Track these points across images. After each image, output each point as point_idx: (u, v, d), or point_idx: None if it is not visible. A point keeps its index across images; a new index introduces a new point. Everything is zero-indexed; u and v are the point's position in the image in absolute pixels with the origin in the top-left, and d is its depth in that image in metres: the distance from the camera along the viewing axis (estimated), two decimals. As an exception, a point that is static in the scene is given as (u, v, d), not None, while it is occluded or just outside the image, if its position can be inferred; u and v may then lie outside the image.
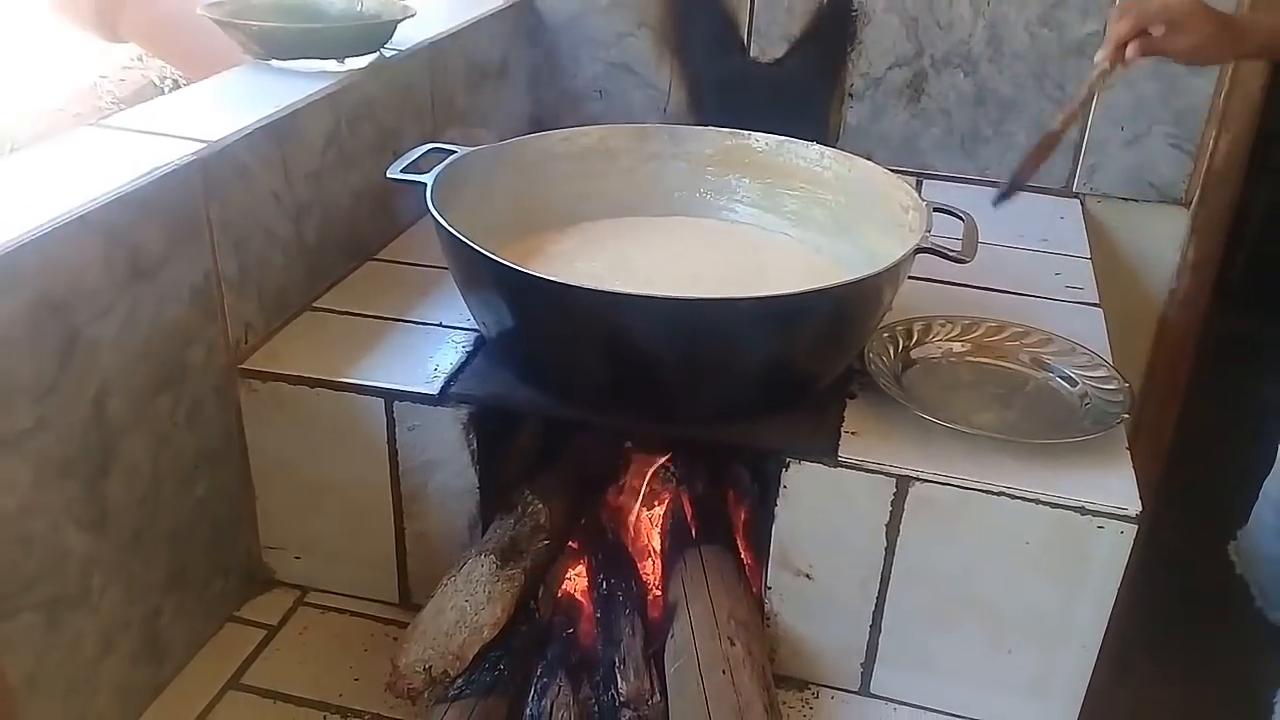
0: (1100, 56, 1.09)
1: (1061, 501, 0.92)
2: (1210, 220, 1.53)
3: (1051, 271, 1.34)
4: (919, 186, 1.58)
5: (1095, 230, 1.56)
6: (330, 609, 1.15)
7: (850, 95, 1.61)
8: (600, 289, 0.88)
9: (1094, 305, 1.26)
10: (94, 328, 0.88)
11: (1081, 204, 1.57)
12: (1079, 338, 1.12)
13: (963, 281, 1.27)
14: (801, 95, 1.62)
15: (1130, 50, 1.07)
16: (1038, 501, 0.92)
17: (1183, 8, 1.06)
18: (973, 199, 1.47)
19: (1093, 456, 0.96)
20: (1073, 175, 1.57)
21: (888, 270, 0.94)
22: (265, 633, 1.12)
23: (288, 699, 1.04)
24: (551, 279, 0.90)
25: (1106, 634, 0.95)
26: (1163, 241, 1.58)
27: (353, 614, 1.14)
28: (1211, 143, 1.49)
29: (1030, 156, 1.14)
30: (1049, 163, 1.49)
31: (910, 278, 1.10)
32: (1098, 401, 1.02)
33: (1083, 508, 0.91)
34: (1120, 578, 0.93)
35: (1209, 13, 1.07)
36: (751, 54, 1.62)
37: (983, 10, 1.50)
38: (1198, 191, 1.53)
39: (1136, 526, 0.91)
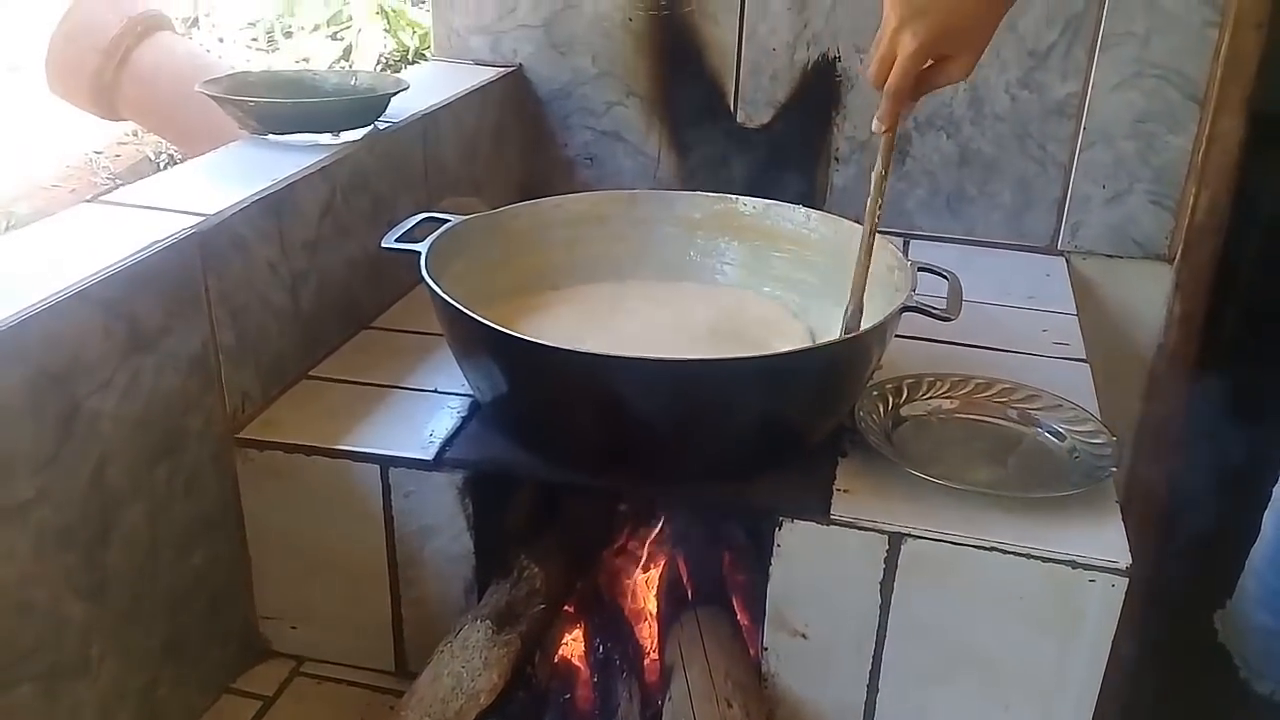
0: (876, 125, 0.95)
1: (1053, 556, 0.92)
2: (1194, 275, 1.56)
3: (1038, 328, 1.36)
4: (905, 247, 1.61)
5: (1081, 287, 1.58)
6: (326, 679, 1.15)
7: (836, 159, 1.64)
8: (592, 352, 0.90)
9: (1081, 360, 1.27)
10: (94, 399, 0.89)
11: (1067, 261, 1.59)
12: (1066, 393, 1.14)
13: (951, 339, 1.28)
14: (788, 160, 1.65)
15: (909, 102, 0.94)
16: (1029, 556, 0.93)
17: (947, 30, 0.89)
18: (958, 258, 1.51)
19: (1082, 510, 0.97)
20: (1057, 233, 1.60)
21: (874, 329, 0.96)
22: (261, 703, 1.11)
23: (285, 769, 1.04)
24: (544, 343, 0.92)
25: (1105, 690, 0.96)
26: (1148, 297, 1.60)
27: (349, 683, 1.14)
28: (1192, 199, 1.52)
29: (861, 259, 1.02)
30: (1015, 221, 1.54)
31: (899, 336, 1.12)
32: (1086, 456, 1.03)
33: (1074, 561, 0.92)
34: (1113, 630, 0.93)
35: (965, 6, 0.89)
36: (738, 120, 1.66)
37: (963, 74, 1.53)
38: (1180, 246, 1.55)
39: (1128, 579, 0.91)
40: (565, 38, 1.68)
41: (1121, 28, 1.46)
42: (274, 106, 1.25)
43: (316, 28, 3.64)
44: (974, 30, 0.90)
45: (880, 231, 1.18)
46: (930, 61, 0.91)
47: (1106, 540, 0.94)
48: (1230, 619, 1.11)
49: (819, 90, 1.61)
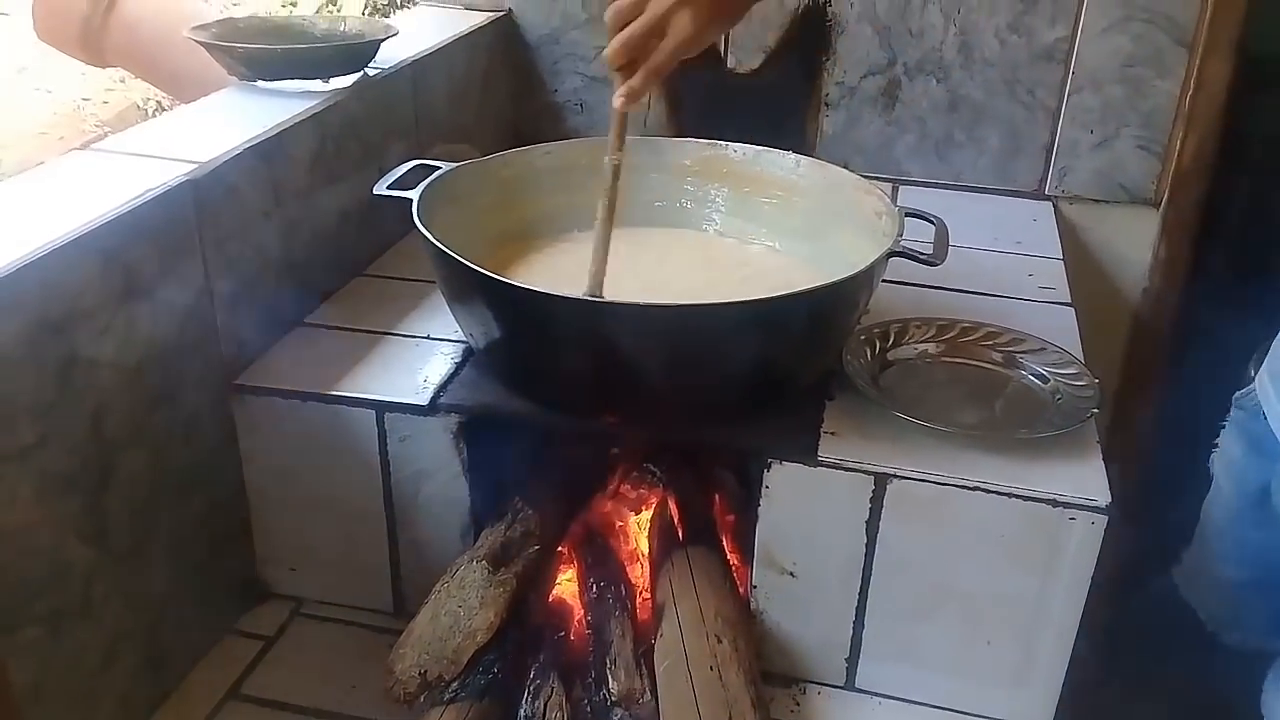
0: (621, 103, 0.94)
1: (1035, 495, 0.95)
2: (1180, 219, 1.57)
3: (1025, 273, 1.37)
4: (895, 193, 1.61)
5: (1068, 232, 1.60)
6: (326, 619, 1.17)
7: (826, 104, 1.64)
8: (584, 298, 0.91)
9: (1066, 305, 1.29)
10: (92, 347, 0.90)
11: (1054, 207, 1.60)
12: (1051, 336, 1.15)
13: (938, 284, 1.30)
14: (779, 105, 1.65)
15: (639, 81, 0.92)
16: (1012, 495, 0.95)
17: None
18: (947, 204, 1.52)
19: (1064, 450, 0.99)
20: (1044, 178, 1.60)
21: (861, 273, 0.97)
22: (263, 644, 1.14)
23: (286, 707, 1.07)
24: (536, 289, 0.93)
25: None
26: (1135, 241, 1.61)
27: (348, 624, 1.17)
28: (1179, 144, 1.53)
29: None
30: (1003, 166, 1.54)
31: (887, 281, 1.13)
32: (1068, 397, 1.05)
33: (1055, 500, 0.94)
34: (1093, 567, 0.96)
35: None
36: (729, 65, 1.66)
37: (953, 18, 1.54)
38: (1166, 191, 1.56)
39: (1107, 517, 0.94)
40: (554, -19, 1.67)
41: (1111, -29, 1.47)
42: (263, 52, 1.24)
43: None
44: (739, 11, 0.93)
45: (870, 176, 1.20)
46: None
47: (1087, 480, 0.96)
48: (1190, 575, 1.14)
49: (809, 36, 1.60)
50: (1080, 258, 1.62)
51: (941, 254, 1.03)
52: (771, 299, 0.92)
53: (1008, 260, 1.42)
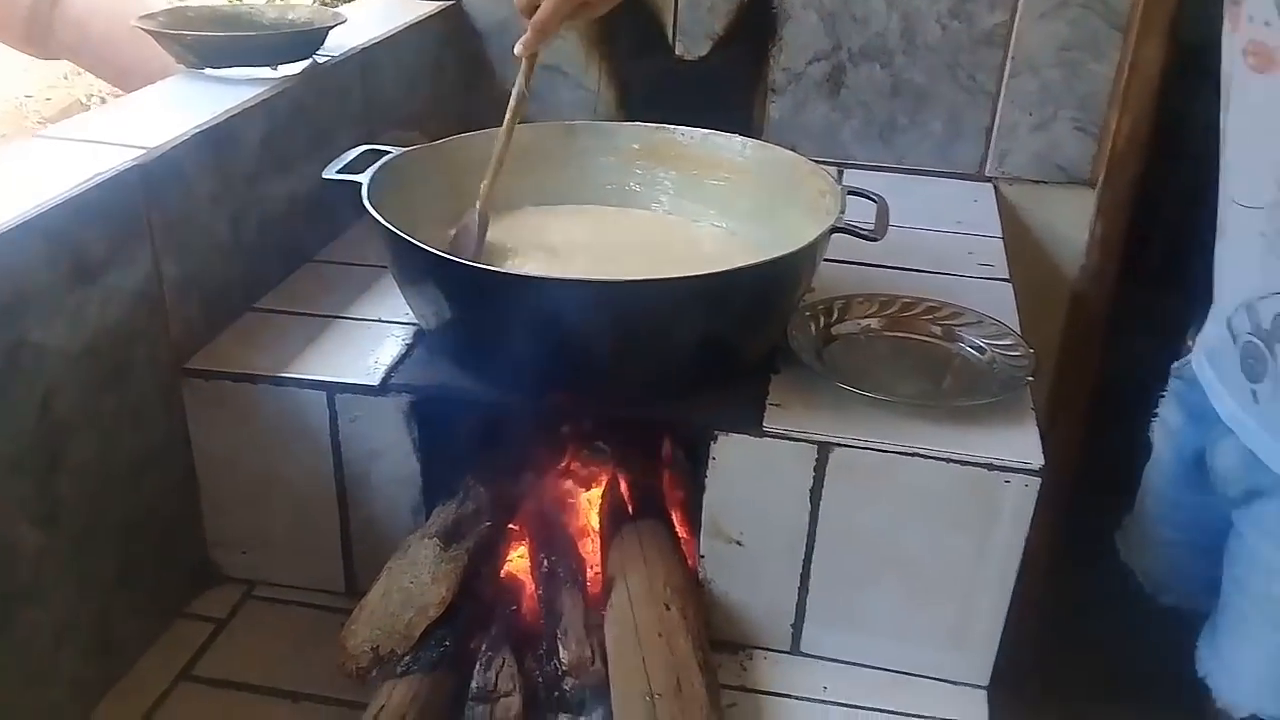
0: (519, 49, 1.06)
1: (971, 459, 0.98)
2: (1116, 199, 1.61)
3: (965, 251, 1.41)
4: (840, 176, 1.64)
5: (1008, 212, 1.63)
6: (278, 601, 1.18)
7: (773, 90, 1.66)
8: (531, 275, 0.93)
9: (1004, 280, 1.32)
10: (40, 331, 0.91)
11: (995, 187, 1.64)
12: (989, 310, 1.19)
13: (883, 263, 1.33)
14: (726, 91, 1.68)
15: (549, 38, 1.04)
16: (949, 460, 0.98)
17: None
18: (892, 186, 1.54)
19: (1000, 417, 1.03)
20: (985, 160, 1.64)
21: (803, 249, 1.00)
22: (214, 626, 1.14)
23: (239, 687, 1.07)
24: (484, 267, 0.95)
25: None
26: (1072, 220, 1.66)
27: (300, 605, 1.17)
28: (1114, 125, 1.57)
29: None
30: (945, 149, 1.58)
31: (833, 260, 1.17)
32: (1004, 367, 1.08)
33: (990, 464, 0.97)
34: (1027, 529, 0.99)
35: None
36: (677, 52, 1.68)
37: (896, 4, 1.57)
38: (1103, 172, 1.60)
39: (1040, 479, 0.97)
40: (502, -29, 1.69)
41: (1047, -43, 1.50)
42: (210, 40, 1.25)
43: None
44: None
45: (818, 161, 1.23)
46: None
47: (1022, 444, 0.99)
48: (1129, 537, 1.17)
49: (755, 22, 1.63)
50: (1021, 237, 1.65)
51: (882, 230, 1.06)
52: (715, 274, 0.94)
53: (949, 239, 1.45)
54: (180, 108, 1.15)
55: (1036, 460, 0.97)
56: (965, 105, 1.61)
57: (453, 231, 1.13)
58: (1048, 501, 0.99)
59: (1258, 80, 0.88)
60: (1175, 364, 1.08)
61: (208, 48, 1.24)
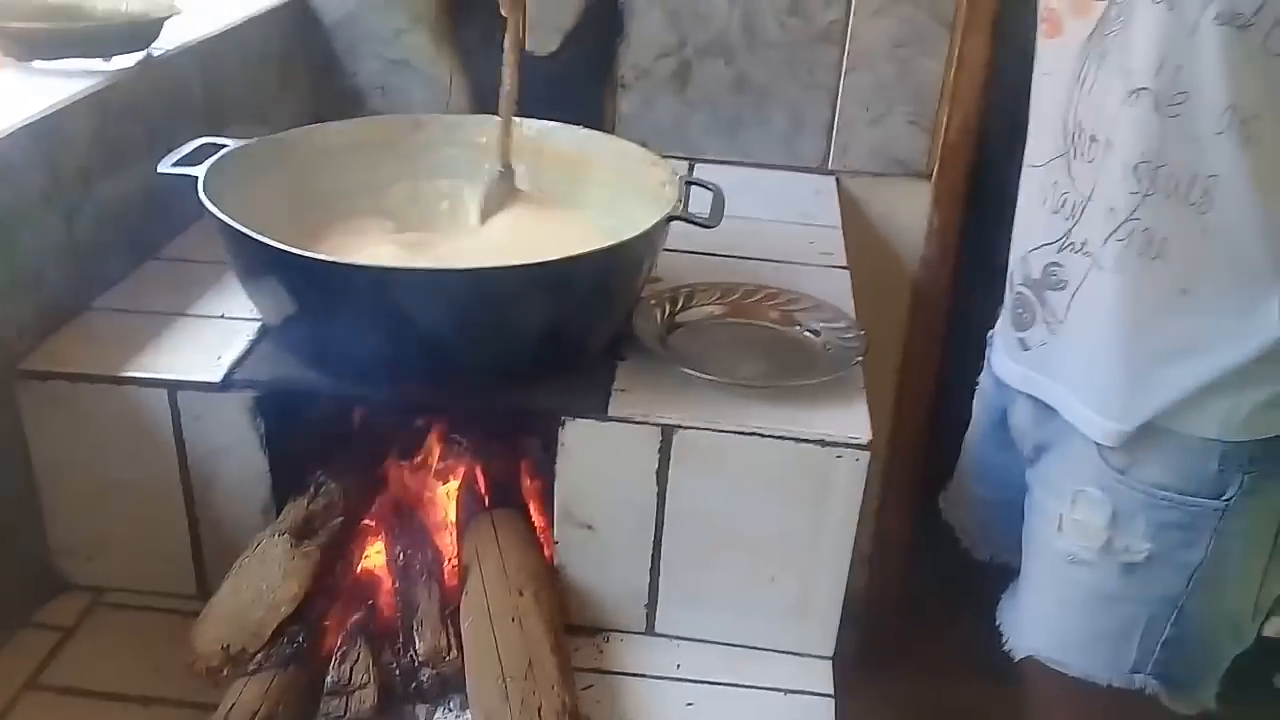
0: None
1: (805, 436, 1.02)
2: (950, 190, 1.69)
3: (807, 241, 1.46)
4: (690, 170, 1.68)
5: (851, 204, 1.70)
6: (127, 607, 1.16)
7: (622, 86, 1.69)
8: (368, 264, 0.93)
9: (842, 268, 1.38)
10: None
11: (837, 181, 1.70)
12: (827, 296, 1.24)
13: (728, 253, 1.37)
14: (576, 87, 1.70)
15: None
16: (784, 438, 1.02)
17: None
18: (738, 179, 1.61)
19: (833, 396, 1.08)
20: (827, 154, 1.70)
21: (639, 236, 1.03)
22: (61, 634, 1.12)
23: (87, 694, 1.05)
24: (321, 257, 0.95)
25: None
26: (911, 211, 1.73)
27: (151, 609, 1.15)
28: (945, 119, 1.65)
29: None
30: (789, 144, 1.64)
31: (681, 251, 1.22)
32: (838, 348, 1.14)
33: (823, 440, 1.02)
34: (859, 501, 1.04)
35: None
36: (527, 48, 1.68)
37: (737, 3, 1.61)
38: (937, 164, 1.68)
39: (869, 453, 1.02)
40: (349, -38, 1.67)
41: (877, -43, 1.57)
42: (37, 31, 1.21)
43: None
44: None
45: (668, 156, 1.26)
46: None
47: (852, 421, 1.04)
48: (950, 496, 1.25)
49: (602, 18, 1.65)
50: (863, 229, 1.72)
51: (717, 218, 1.10)
52: (554, 261, 0.96)
53: (792, 230, 1.51)
54: (4, 101, 1.11)
55: (865, 435, 1.02)
56: (806, 101, 1.67)
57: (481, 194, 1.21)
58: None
59: (1048, 44, 0.96)
60: (990, 332, 1.15)
61: (32, 40, 1.21)
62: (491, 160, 1.30)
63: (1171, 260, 0.88)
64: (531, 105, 1.35)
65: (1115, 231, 0.90)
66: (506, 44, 1.17)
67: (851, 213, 1.70)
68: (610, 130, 1.69)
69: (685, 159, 1.71)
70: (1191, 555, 0.95)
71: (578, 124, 1.31)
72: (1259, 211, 0.85)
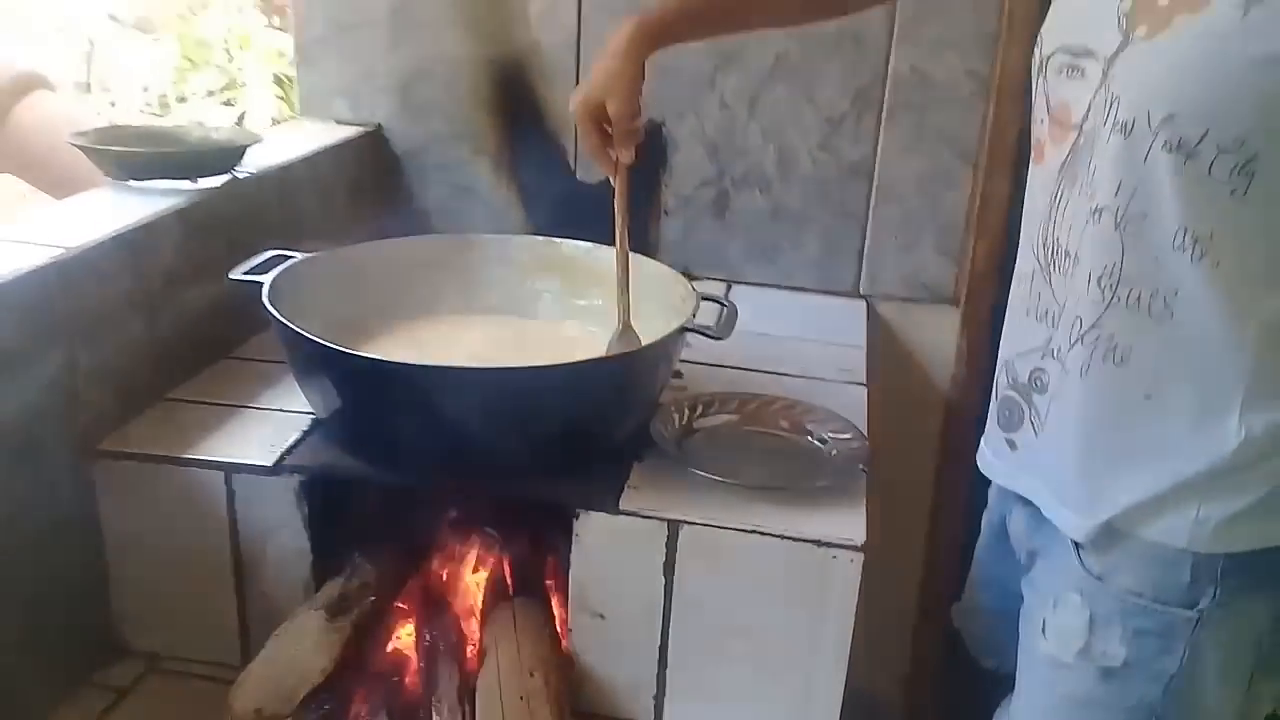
0: (623, 156, 1.19)
1: (803, 536, 1.09)
2: (976, 315, 1.76)
3: (830, 359, 1.54)
4: (728, 291, 1.78)
5: (885, 327, 1.79)
6: (178, 673, 1.25)
7: (666, 212, 1.82)
8: (403, 362, 1.04)
9: (860, 385, 1.46)
10: (-44, 406, 1.00)
11: (868, 304, 1.79)
12: (842, 409, 1.31)
13: (755, 368, 1.46)
14: (622, 212, 1.82)
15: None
16: (783, 537, 1.09)
17: (607, 77, 1.13)
18: (775, 302, 1.71)
19: (835, 500, 1.14)
20: (859, 279, 1.79)
21: (653, 345, 1.13)
22: (116, 695, 1.21)
23: (133, 752, 1.14)
24: (362, 354, 1.06)
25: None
26: (941, 335, 1.80)
27: (198, 677, 1.24)
28: (971, 249, 1.73)
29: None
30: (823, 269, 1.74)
31: (711, 365, 1.33)
32: (843, 456, 1.21)
33: (819, 541, 1.08)
34: (855, 600, 1.09)
35: (621, 58, 1.13)
36: (578, 176, 1.83)
37: (772, 138, 1.73)
38: (964, 291, 1.76)
39: (863, 554, 1.08)
40: (420, 101, 1.84)
41: (902, 100, 1.68)
42: (134, 155, 1.38)
43: (210, 94, 3.74)
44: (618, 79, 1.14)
45: (708, 278, 1.36)
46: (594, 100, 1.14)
47: (849, 523, 1.11)
48: (960, 607, 1.29)
49: (647, 150, 1.78)
50: (897, 350, 1.81)
51: (727, 330, 1.19)
52: (567, 364, 1.06)
53: (818, 348, 1.59)
54: (101, 214, 1.27)
55: (859, 537, 1.08)
56: (838, 229, 1.77)
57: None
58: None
59: (1035, 170, 1.05)
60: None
61: (130, 162, 1.37)
62: (532, 277, 1.43)
63: (1134, 367, 0.94)
64: (581, 228, 1.47)
65: (1082, 339, 0.96)
66: (616, 208, 1.22)
67: (885, 335, 1.79)
68: (654, 253, 1.81)
69: (724, 280, 1.82)
70: (1167, 664, 0.97)
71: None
72: (1219, 325, 0.90)
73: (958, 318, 1.79)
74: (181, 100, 3.81)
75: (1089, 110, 0.94)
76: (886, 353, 1.79)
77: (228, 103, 3.61)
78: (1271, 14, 0.83)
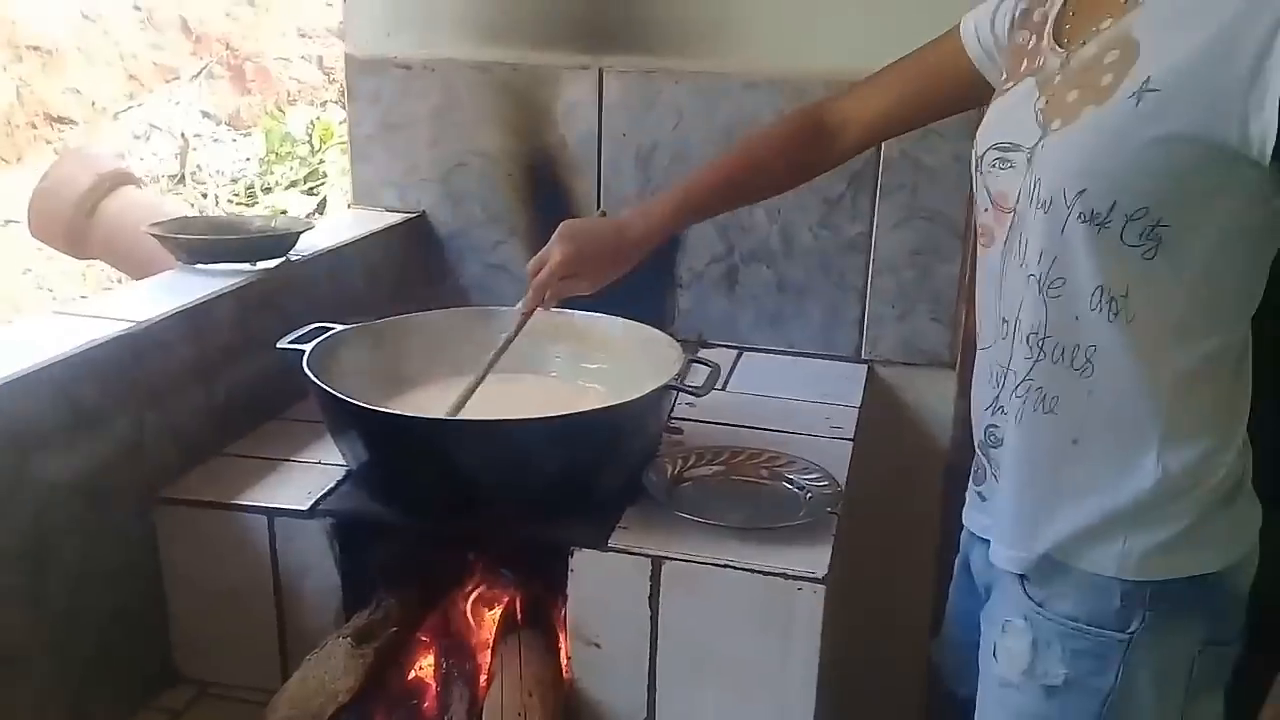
0: (520, 305, 1.39)
1: (770, 570, 1.21)
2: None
3: (824, 417, 1.67)
4: (738, 357, 1.93)
5: (886, 390, 1.91)
6: (226, 698, 1.40)
7: (680, 285, 1.97)
8: (412, 415, 1.21)
9: (848, 439, 1.58)
10: (41, 457, 1.18)
11: (869, 368, 1.91)
12: (826, 461, 1.44)
13: (754, 425, 1.60)
14: (641, 286, 1.95)
15: (548, 298, 1.38)
16: (752, 570, 1.22)
17: (581, 257, 1.36)
18: (781, 367, 1.85)
19: (806, 538, 1.27)
20: (860, 345, 1.92)
21: (639, 399, 1.28)
22: (171, 718, 1.37)
23: (184, 766, 1.30)
24: (379, 409, 1.22)
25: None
26: (939, 398, 1.92)
27: (243, 701, 1.40)
28: (964, 316, 1.85)
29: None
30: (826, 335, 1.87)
31: (711, 422, 1.50)
32: (817, 500, 1.33)
33: (785, 573, 1.21)
34: (819, 629, 1.21)
35: (603, 248, 1.38)
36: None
37: (775, 217, 1.89)
38: (960, 355, 1.88)
39: (825, 586, 1.20)
40: (459, 190, 2.03)
41: (895, 181, 1.83)
42: (198, 241, 1.58)
43: (293, 184, 4.02)
44: (600, 267, 1.39)
45: (719, 345, 1.50)
46: (569, 274, 1.36)
47: (814, 558, 1.23)
48: (939, 641, 1.39)
49: (663, 230, 1.95)
50: (897, 412, 1.92)
51: (708, 388, 1.33)
52: (560, 416, 1.22)
53: (816, 407, 1.72)
54: (168, 293, 1.46)
55: (821, 570, 1.21)
56: (839, 299, 1.91)
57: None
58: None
59: (984, 253, 1.17)
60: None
61: (195, 247, 1.57)
62: (546, 343, 1.59)
63: (1062, 415, 1.06)
64: (602, 301, 1.63)
65: (1016, 390, 1.09)
66: (504, 337, 1.40)
67: (887, 398, 1.91)
68: (670, 323, 1.96)
69: (735, 347, 1.96)
70: (1103, 682, 1.07)
71: (641, 319, 1.58)
72: (1134, 375, 1.02)
73: (954, 381, 1.90)
74: (266, 190, 4.11)
75: (1019, 194, 1.07)
76: (890, 414, 1.90)
77: (310, 191, 3.89)
78: (1160, 102, 0.96)
